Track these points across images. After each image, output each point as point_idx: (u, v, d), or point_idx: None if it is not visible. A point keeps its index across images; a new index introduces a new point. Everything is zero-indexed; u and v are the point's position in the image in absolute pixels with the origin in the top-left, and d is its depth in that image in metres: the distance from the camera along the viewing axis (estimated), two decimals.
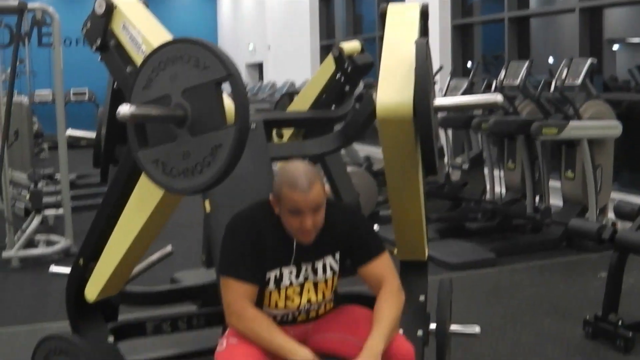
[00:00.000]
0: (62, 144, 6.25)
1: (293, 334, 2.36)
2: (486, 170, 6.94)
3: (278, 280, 2.40)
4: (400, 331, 2.80)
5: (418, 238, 2.91)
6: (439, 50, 8.99)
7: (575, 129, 5.60)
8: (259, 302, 2.41)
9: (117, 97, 2.64)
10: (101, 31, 2.47)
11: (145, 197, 2.34)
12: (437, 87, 7.59)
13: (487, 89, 6.61)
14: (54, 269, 3.18)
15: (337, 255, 2.46)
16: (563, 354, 3.78)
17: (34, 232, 6.25)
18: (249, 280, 2.33)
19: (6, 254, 6.02)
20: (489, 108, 6.16)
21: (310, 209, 2.28)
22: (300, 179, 2.28)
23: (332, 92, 3.58)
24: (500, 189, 6.84)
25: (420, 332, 2.87)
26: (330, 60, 3.54)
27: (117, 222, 2.46)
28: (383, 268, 2.45)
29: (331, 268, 2.45)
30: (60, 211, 6.55)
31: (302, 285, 2.42)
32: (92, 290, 2.58)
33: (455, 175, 7.39)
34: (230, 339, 2.32)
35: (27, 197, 6.59)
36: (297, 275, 2.41)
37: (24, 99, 8.63)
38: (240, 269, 2.33)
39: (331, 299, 2.53)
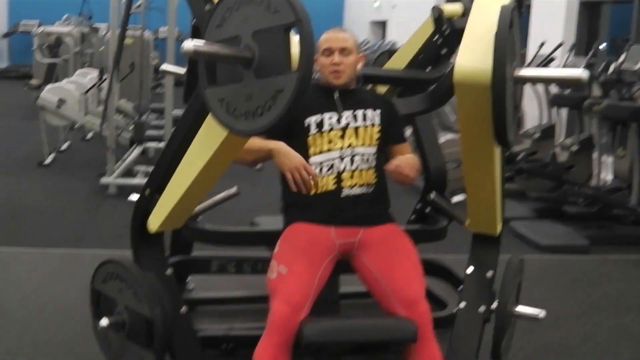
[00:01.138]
0: (169, 79, 6.40)
1: (341, 236, 2.63)
2: (595, 155, 6.68)
3: (319, 124, 2.66)
4: (462, 304, 2.78)
5: (490, 211, 2.80)
6: (564, 26, 8.61)
7: None
8: (303, 153, 2.62)
9: (196, 34, 2.63)
10: None
11: (210, 136, 2.34)
12: (554, 63, 7.32)
13: (605, 72, 6.28)
14: (133, 197, 3.25)
15: (378, 112, 2.74)
16: (637, 355, 3.61)
17: (134, 162, 6.45)
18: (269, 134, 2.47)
19: (104, 180, 6.27)
20: (573, 84, 5.87)
21: (338, 48, 2.66)
22: (334, 27, 2.75)
23: (429, 54, 3.47)
24: (607, 176, 6.56)
25: (482, 309, 2.80)
26: (429, 21, 3.43)
27: (182, 157, 2.49)
28: (407, 149, 2.84)
29: (372, 119, 2.72)
30: (162, 145, 6.73)
31: (343, 130, 2.67)
32: (154, 221, 2.62)
33: (563, 157, 7.14)
34: (281, 267, 2.52)
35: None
36: (339, 120, 2.67)
37: (145, 34, 8.84)
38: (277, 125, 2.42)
39: (374, 166, 2.70)
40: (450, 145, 5.82)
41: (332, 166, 2.64)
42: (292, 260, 2.53)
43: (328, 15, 18.70)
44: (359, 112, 2.70)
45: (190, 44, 1.92)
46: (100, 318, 2.66)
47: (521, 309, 2.87)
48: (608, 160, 6.48)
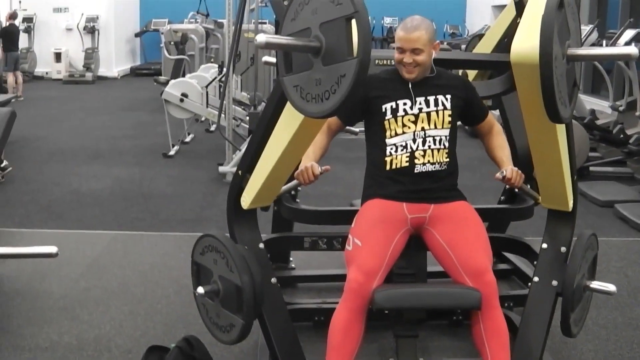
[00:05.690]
0: None
1: (412, 211, 2.81)
2: None
3: (394, 110, 2.84)
4: (536, 279, 2.91)
5: (559, 187, 2.90)
6: None
7: None
8: (380, 135, 2.84)
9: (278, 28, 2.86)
10: None
11: (290, 120, 2.57)
12: None
13: None
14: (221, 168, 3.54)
15: (449, 97, 2.87)
16: None
17: None
18: (339, 115, 2.88)
19: (222, 168, 6.65)
20: (624, 59, 5.79)
21: (409, 48, 2.77)
22: (408, 22, 2.80)
23: (512, 37, 3.57)
24: None
25: (554, 282, 2.91)
26: (512, 5, 3.54)
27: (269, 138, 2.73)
28: (491, 121, 3.06)
29: (442, 103, 2.85)
30: None
31: (416, 116, 2.83)
32: (247, 198, 2.88)
33: None
34: (356, 240, 2.73)
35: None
36: (412, 107, 2.83)
37: (264, 27, 9.17)
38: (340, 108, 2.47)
39: (446, 147, 2.84)
40: None
41: (405, 146, 2.82)
42: (367, 233, 2.73)
43: (451, 1, 18.69)
44: (431, 98, 2.83)
45: (262, 38, 2.15)
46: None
47: (594, 283, 2.94)
48: None
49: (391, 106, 2.84)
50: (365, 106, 2.88)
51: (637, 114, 7.57)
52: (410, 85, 2.85)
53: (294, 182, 2.95)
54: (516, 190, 3.50)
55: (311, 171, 2.78)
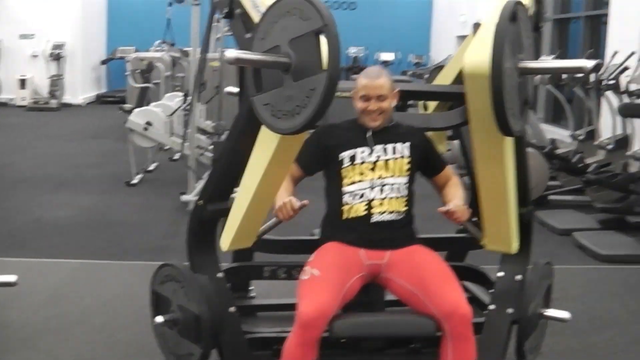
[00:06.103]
0: None
1: (369, 257, 2.83)
2: None
3: (352, 158, 2.88)
4: (492, 306, 2.96)
5: (503, 224, 2.90)
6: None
7: None
8: (337, 182, 2.89)
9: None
10: (228, 0, 2.76)
11: (261, 155, 2.58)
12: (628, 72, 7.35)
13: None
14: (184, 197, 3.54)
15: (408, 145, 2.92)
16: None
17: None
18: (301, 165, 2.95)
19: (184, 197, 6.64)
20: (577, 73, 5.92)
21: (375, 95, 2.82)
22: (371, 71, 2.90)
23: None
24: None
25: (510, 310, 2.96)
26: (471, 37, 3.61)
27: (233, 167, 2.76)
28: (449, 173, 3.09)
29: (401, 151, 2.91)
30: None
31: (374, 163, 2.88)
32: (225, 241, 2.87)
33: (635, 167, 7.12)
34: (314, 270, 2.73)
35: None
36: (370, 154, 2.88)
37: None
38: (300, 156, 2.83)
39: (404, 195, 2.89)
40: None
41: (362, 195, 2.86)
42: (326, 266, 2.75)
43: (415, 29, 18.86)
44: (389, 146, 2.89)
45: (232, 53, 2.19)
46: None
47: (548, 311, 3.01)
48: None
49: (349, 154, 2.89)
50: (324, 155, 2.92)
51: (595, 143, 7.73)
52: (368, 135, 2.89)
53: (273, 220, 2.95)
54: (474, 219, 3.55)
55: (289, 206, 2.73)
